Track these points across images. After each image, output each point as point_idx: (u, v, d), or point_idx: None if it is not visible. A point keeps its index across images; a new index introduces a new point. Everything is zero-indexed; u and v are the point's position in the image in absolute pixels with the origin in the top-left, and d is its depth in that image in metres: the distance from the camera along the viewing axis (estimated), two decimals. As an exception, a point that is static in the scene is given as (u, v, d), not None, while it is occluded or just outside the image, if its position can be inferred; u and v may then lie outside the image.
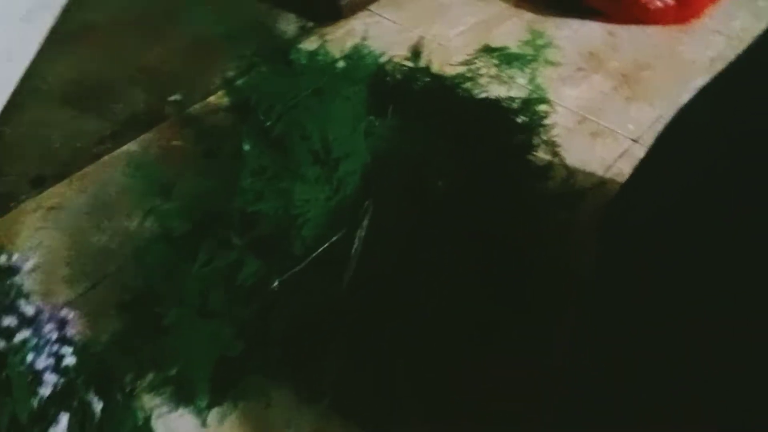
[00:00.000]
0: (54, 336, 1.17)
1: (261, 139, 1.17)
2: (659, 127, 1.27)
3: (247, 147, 1.15)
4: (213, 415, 1.17)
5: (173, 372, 1.19)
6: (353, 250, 1.16)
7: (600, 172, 1.65)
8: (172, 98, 1.91)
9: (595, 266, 1.20)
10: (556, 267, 1.34)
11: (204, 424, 1.16)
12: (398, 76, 1.45)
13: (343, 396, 1.17)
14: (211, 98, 1.86)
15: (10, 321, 1.15)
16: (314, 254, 1.15)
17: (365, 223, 1.17)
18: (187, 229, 1.19)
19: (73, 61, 2.03)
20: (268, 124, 1.16)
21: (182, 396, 1.18)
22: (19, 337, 1.12)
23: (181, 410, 1.18)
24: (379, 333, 1.18)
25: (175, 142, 1.68)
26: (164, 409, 1.18)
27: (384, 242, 1.19)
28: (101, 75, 1.99)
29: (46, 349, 1.13)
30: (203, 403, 1.15)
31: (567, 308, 1.28)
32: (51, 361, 1.11)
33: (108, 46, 2.07)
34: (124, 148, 1.72)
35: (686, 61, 2.01)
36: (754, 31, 0.96)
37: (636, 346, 0.96)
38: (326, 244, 1.16)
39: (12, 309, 1.19)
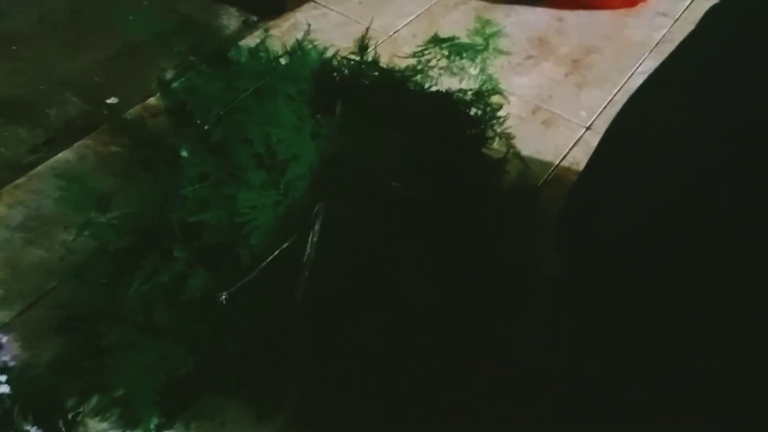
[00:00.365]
0: (-13, 363, 1.09)
1: (200, 144, 1.10)
2: (611, 111, 1.26)
3: (185, 153, 1.09)
4: (164, 437, 1.11)
5: (119, 393, 1.12)
6: (306, 257, 1.11)
7: (555, 161, 1.64)
8: (110, 101, 1.82)
9: (562, 263, 1.19)
10: (519, 263, 1.32)
11: (155, 446, 1.10)
12: (345, 71, 1.40)
13: (304, 408, 1.12)
14: (151, 100, 1.78)
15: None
16: (264, 263, 1.09)
17: (317, 227, 1.13)
18: (126, 243, 1.12)
19: (1, 71, 1.91)
20: (207, 128, 1.09)
21: (129, 419, 1.11)
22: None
23: (129, 433, 1.11)
24: (338, 341, 1.13)
25: (113, 148, 1.59)
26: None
27: (338, 246, 1.14)
28: (32, 83, 1.88)
29: (-21, 378, 1.05)
30: (152, 426, 1.09)
31: (533, 305, 1.27)
32: (-17, 390, 1.03)
33: (36, 54, 1.96)
34: (59, 156, 1.63)
35: (634, 43, 2.02)
36: (700, 12, 0.95)
37: (616, 342, 0.94)
38: (276, 252, 1.10)
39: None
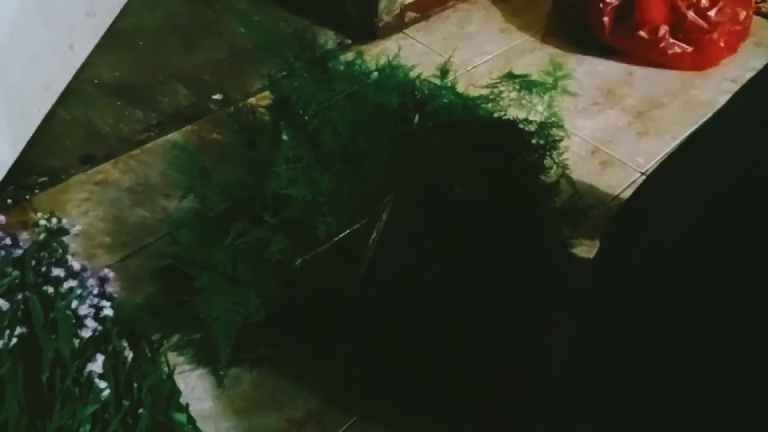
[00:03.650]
0: (95, 290, 1.30)
1: (298, 132, 1.30)
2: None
3: (285, 137, 1.29)
4: (229, 378, 1.28)
5: (197, 335, 1.31)
6: (371, 240, 1.28)
7: (606, 198, 1.76)
8: (215, 97, 2.07)
9: (595, 279, 1.30)
10: (555, 278, 1.44)
11: (220, 385, 1.27)
12: (425, 90, 1.58)
13: (350, 375, 1.27)
14: (251, 100, 2.01)
15: (58, 272, 1.28)
16: (336, 239, 1.26)
17: (384, 216, 1.29)
18: (222, 208, 1.31)
19: (123, 58, 2.20)
20: (306, 118, 1.29)
21: (203, 358, 1.29)
22: (66, 286, 1.25)
23: (200, 370, 1.29)
24: (388, 319, 1.28)
25: (215, 135, 1.82)
26: (186, 367, 1.29)
27: (400, 236, 1.30)
28: (150, 73, 2.15)
29: (88, 300, 1.25)
30: (220, 366, 1.26)
31: (561, 316, 1.38)
32: (91, 310, 1.24)
33: (156, 49, 2.24)
34: (168, 136, 1.87)
35: (699, 102, 2.13)
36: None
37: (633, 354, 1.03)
38: (347, 231, 1.27)
39: (60, 263, 1.32)
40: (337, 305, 1.26)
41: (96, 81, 2.10)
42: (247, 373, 1.28)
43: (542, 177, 1.53)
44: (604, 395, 1.08)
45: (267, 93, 1.88)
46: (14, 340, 1.13)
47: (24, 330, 1.15)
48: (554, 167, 1.56)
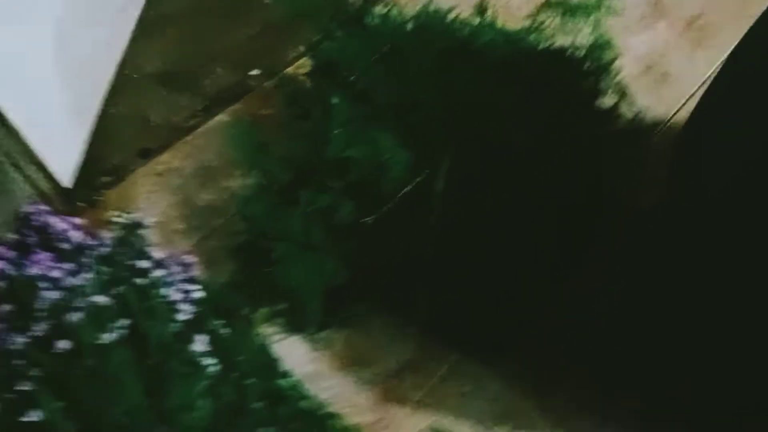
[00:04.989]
0: (181, 275, 1.35)
1: (347, 93, 1.30)
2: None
3: (335, 100, 1.29)
4: (321, 341, 1.33)
5: (283, 305, 1.36)
6: (437, 188, 1.28)
7: (666, 115, 1.70)
8: (253, 73, 2.07)
9: (666, 202, 1.27)
10: (622, 204, 1.42)
11: (314, 348, 1.32)
12: (465, 32, 1.55)
13: (437, 322, 1.30)
14: (288, 70, 2.01)
15: (144, 263, 1.34)
16: (401, 194, 1.27)
17: (445, 164, 1.29)
18: (287, 180, 1.34)
19: (159, 48, 2.21)
20: (352, 79, 1.29)
21: (293, 325, 1.34)
22: (154, 275, 1.31)
23: (292, 337, 1.34)
24: (465, 265, 1.30)
25: (263, 110, 1.84)
26: (278, 336, 1.34)
27: (463, 182, 1.31)
28: (188, 58, 2.16)
29: (177, 286, 1.31)
30: (312, 331, 1.31)
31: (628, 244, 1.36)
32: (182, 295, 1.29)
33: (190, 33, 2.24)
34: (216, 118, 1.90)
35: (753, 2, 2.00)
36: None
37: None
38: (411, 185, 1.28)
39: (144, 254, 1.38)
40: (413, 258, 1.28)
41: (136, 75, 2.14)
42: (337, 333, 1.33)
43: (599, 102, 1.50)
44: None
45: (305, 61, 1.88)
46: (120, 332, 1.19)
47: (126, 321, 1.21)
48: (610, 90, 1.51)
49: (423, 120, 1.30)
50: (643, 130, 1.47)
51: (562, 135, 1.38)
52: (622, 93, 1.49)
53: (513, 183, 1.34)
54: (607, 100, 1.51)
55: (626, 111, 1.53)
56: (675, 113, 1.69)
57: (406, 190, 1.27)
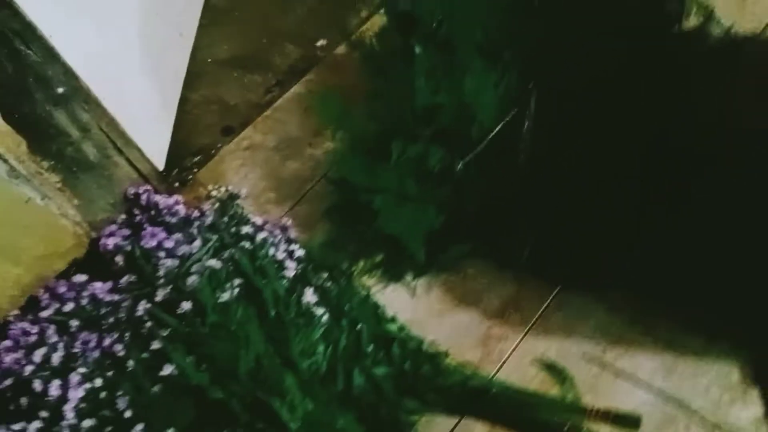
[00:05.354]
0: (281, 237, 1.42)
1: (428, 41, 1.32)
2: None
3: (418, 50, 1.31)
4: (420, 287, 1.37)
5: (380, 257, 1.40)
6: (525, 129, 1.29)
7: (755, 31, 1.63)
8: (319, 44, 2.12)
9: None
10: (720, 124, 1.37)
11: (414, 295, 1.36)
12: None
13: (537, 261, 1.31)
14: (352, 37, 2.04)
15: (247, 229, 1.41)
16: (490, 136, 1.28)
17: (533, 103, 1.29)
18: (374, 134, 1.37)
19: (227, 33, 2.29)
20: (434, 26, 1.30)
21: (392, 275, 1.38)
22: (258, 239, 1.38)
23: (392, 286, 1.38)
24: (557, 202, 1.30)
25: (336, 79, 1.88)
26: (378, 287, 1.39)
27: (551, 118, 1.30)
28: (255, 38, 2.23)
29: (280, 246, 1.37)
30: (412, 278, 1.35)
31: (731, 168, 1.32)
32: (285, 254, 1.36)
33: (254, 15, 2.31)
34: (292, 91, 1.95)
35: None
36: None
37: None
38: (499, 126, 1.29)
39: (245, 221, 1.45)
40: (507, 199, 1.30)
41: (210, 60, 2.22)
42: (435, 279, 1.36)
43: (684, 24, 1.45)
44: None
45: (369, 25, 1.91)
46: (236, 291, 1.27)
47: (240, 281, 1.29)
48: (694, 11, 1.46)
49: (506, 61, 1.30)
50: (733, 49, 1.41)
51: (649, 61, 1.35)
52: (708, 12, 1.43)
53: (601, 115, 1.32)
54: (692, 21, 1.45)
55: (713, 30, 1.47)
56: (765, 28, 1.61)
57: (495, 131, 1.28)
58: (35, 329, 1.32)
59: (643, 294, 1.24)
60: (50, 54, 1.42)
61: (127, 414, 1.15)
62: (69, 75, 1.47)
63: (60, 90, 1.48)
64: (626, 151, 1.31)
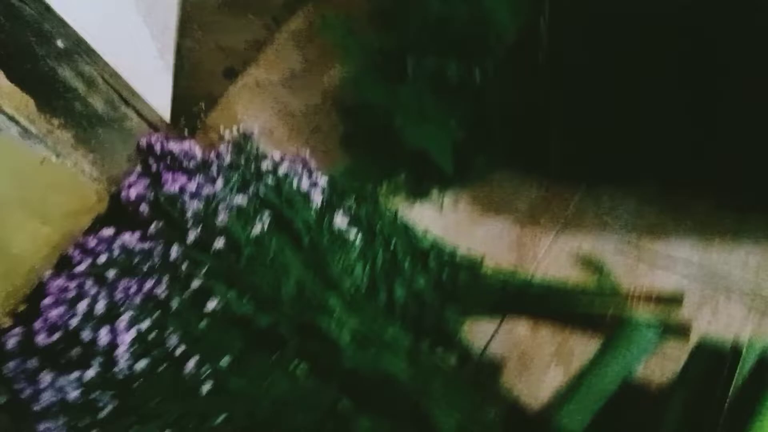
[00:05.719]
0: (302, 168, 1.41)
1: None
2: None
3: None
4: (446, 202, 1.37)
5: (401, 177, 1.39)
6: (540, 27, 1.25)
7: None
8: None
9: None
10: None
11: (440, 210, 1.36)
12: None
13: (560, 162, 1.30)
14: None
15: (267, 164, 1.40)
16: (505, 43, 1.25)
17: (547, 7, 1.25)
18: (390, 49, 1.34)
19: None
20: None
21: (415, 193, 1.38)
22: (280, 172, 1.37)
23: (417, 204, 1.38)
24: (581, 100, 1.27)
25: (332, 8, 1.83)
26: (405, 206, 1.39)
27: (569, 21, 1.26)
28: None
29: (302, 177, 1.37)
30: (438, 191, 1.35)
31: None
32: (309, 184, 1.36)
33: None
34: (289, 28, 1.91)
35: None
36: None
37: None
38: (513, 32, 1.25)
39: (264, 157, 1.44)
40: (530, 104, 1.28)
41: (201, 3, 2.16)
42: (461, 193, 1.36)
43: None
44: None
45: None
46: (266, 223, 1.27)
47: (268, 212, 1.29)
48: None
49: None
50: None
51: None
52: None
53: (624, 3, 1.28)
54: None
55: None
56: None
57: (509, 39, 1.25)
58: (73, 284, 1.33)
59: (673, 181, 1.24)
60: (44, 6, 1.38)
61: (179, 350, 1.17)
62: (68, 27, 1.44)
63: (60, 44, 1.45)
64: (651, 39, 1.27)
